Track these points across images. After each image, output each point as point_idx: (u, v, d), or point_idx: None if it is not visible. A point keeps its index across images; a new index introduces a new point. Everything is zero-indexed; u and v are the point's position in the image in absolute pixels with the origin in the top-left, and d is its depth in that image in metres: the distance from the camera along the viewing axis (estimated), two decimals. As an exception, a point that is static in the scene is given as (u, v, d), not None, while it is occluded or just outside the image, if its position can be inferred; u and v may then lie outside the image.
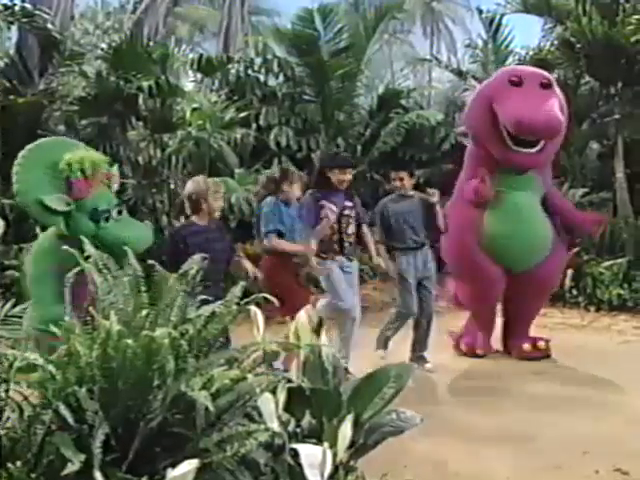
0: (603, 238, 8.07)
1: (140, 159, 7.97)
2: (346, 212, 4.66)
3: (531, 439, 3.63)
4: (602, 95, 9.57)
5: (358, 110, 10.06)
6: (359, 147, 9.75)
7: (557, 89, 5.09)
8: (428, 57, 12.44)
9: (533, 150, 4.88)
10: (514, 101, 4.78)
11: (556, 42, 9.54)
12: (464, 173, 5.33)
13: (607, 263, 7.61)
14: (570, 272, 7.47)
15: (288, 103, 9.46)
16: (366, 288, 8.54)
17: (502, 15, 10.42)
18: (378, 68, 12.44)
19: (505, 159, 4.96)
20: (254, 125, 8.95)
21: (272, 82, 9.70)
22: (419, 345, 5.03)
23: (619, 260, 7.58)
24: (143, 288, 2.09)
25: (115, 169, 4.22)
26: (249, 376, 1.92)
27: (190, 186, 4.13)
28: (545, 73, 5.19)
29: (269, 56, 9.45)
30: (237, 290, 2.32)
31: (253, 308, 2.58)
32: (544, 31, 10.83)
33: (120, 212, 4.08)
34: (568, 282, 7.45)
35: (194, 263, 2.39)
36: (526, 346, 5.33)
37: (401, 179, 4.90)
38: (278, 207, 4.43)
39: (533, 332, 5.58)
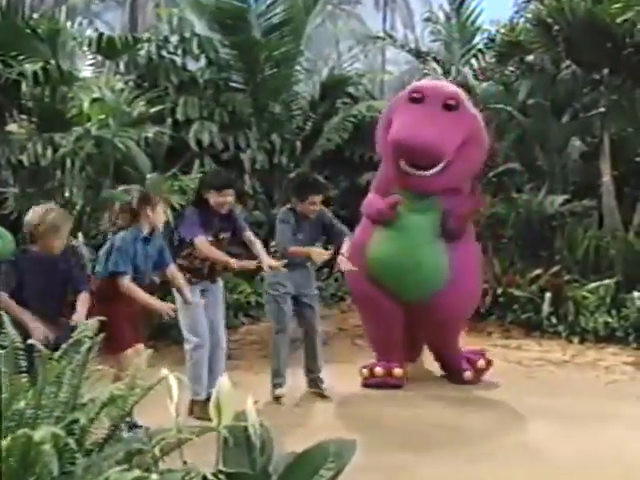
0: (587, 255, 8.32)
1: (25, 161, 7.76)
2: (221, 236, 5.13)
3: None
4: (585, 83, 9.89)
5: (297, 100, 10.05)
6: (298, 144, 9.75)
7: (469, 111, 5.57)
8: (380, 34, 12.54)
9: (428, 173, 5.35)
10: (402, 118, 5.33)
11: (531, 20, 9.80)
12: (372, 186, 5.98)
13: (592, 285, 7.85)
14: (548, 296, 7.69)
15: (211, 92, 9.36)
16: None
17: (468, -17, 10.76)
18: (321, 48, 12.52)
19: (399, 181, 5.54)
20: (169, 120, 8.83)
21: (191, 66, 9.60)
22: (312, 366, 5.64)
23: (606, 281, 7.82)
24: (23, 363, 2.02)
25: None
26: (153, 477, 1.88)
27: (32, 215, 4.32)
28: (455, 92, 5.62)
29: (187, 34, 9.32)
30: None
31: (165, 372, 2.55)
32: (517, 5, 11.17)
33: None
34: (546, 308, 7.65)
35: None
36: (467, 374, 5.87)
37: (314, 203, 5.39)
38: (134, 244, 4.62)
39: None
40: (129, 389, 2.14)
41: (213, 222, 5.11)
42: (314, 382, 5.64)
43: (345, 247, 5.49)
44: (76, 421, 1.97)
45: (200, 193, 5.14)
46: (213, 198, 5.02)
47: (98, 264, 4.75)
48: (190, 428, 2.19)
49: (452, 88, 5.81)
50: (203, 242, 4.98)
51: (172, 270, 4.90)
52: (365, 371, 5.86)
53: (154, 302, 4.73)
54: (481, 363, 5.99)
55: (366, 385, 5.84)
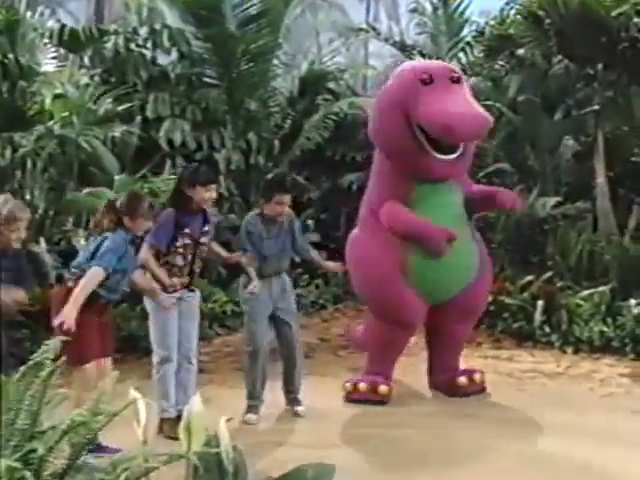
0: (580, 260, 8.36)
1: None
2: (202, 240, 5.13)
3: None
4: (578, 79, 9.95)
5: (275, 96, 10.07)
6: (276, 143, 9.74)
7: (465, 81, 5.63)
8: (363, 26, 12.56)
9: (454, 156, 5.41)
10: (433, 102, 5.22)
11: (522, 12, 9.84)
12: (376, 189, 5.82)
13: (586, 292, 7.87)
14: (541, 304, 7.71)
15: (183, 88, 9.36)
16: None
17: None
18: (300, 41, 12.50)
19: (426, 170, 5.45)
20: (139, 118, 8.79)
21: (162, 60, 9.58)
22: (290, 387, 5.62)
23: (601, 288, 7.83)
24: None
25: None
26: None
27: None
28: (451, 66, 5.81)
29: (157, 25, 9.33)
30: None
31: (133, 393, 2.53)
32: (507, -3, 11.22)
33: None
34: (539, 316, 7.67)
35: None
36: (462, 380, 5.89)
37: (281, 203, 5.33)
38: (125, 245, 4.66)
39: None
40: (92, 415, 2.11)
41: (193, 224, 5.08)
42: (292, 402, 5.62)
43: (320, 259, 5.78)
44: (34, 451, 1.93)
45: (181, 191, 5.10)
46: (199, 194, 5.02)
47: (78, 264, 4.67)
48: (157, 455, 2.15)
49: (445, 63, 5.99)
50: (149, 256, 4.96)
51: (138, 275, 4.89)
52: (348, 385, 5.84)
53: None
54: (477, 377, 6.00)
55: (349, 400, 5.82)
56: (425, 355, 6.24)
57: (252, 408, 5.43)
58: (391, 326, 5.72)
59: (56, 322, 4.24)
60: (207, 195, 5.06)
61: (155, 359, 5.05)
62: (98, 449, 3.61)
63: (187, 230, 5.03)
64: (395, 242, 5.57)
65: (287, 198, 5.38)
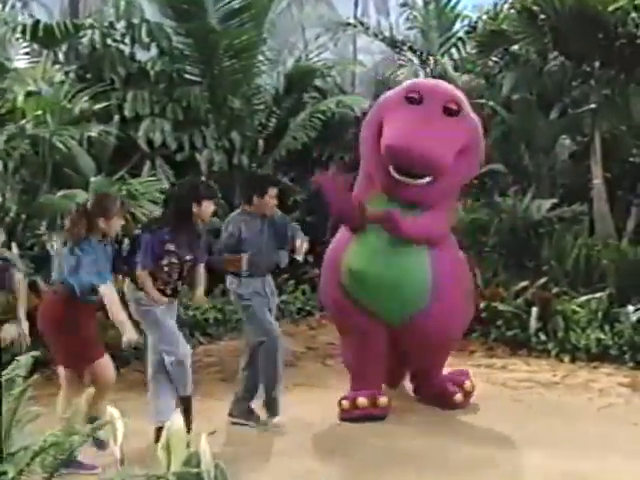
0: (577, 265, 8.38)
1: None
2: (188, 257, 5.24)
3: None
4: (574, 76, 9.99)
5: (259, 94, 10.06)
6: (261, 143, 9.74)
7: (469, 117, 5.56)
8: (351, 21, 12.53)
9: (420, 182, 5.35)
10: (398, 121, 5.28)
11: (516, 7, 9.86)
12: (355, 190, 5.80)
13: (583, 298, 7.89)
14: (535, 310, 7.72)
15: (163, 85, 9.31)
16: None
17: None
18: (285, 36, 12.45)
19: (387, 188, 5.48)
20: (116, 117, 8.73)
21: (141, 56, 9.52)
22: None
23: (598, 294, 7.86)
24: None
25: None
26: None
27: None
28: (456, 95, 5.62)
29: (135, 19, 9.27)
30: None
31: (110, 410, 2.51)
32: (500, -10, 11.25)
33: None
34: (534, 323, 7.68)
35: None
36: (458, 397, 5.89)
37: (273, 197, 5.56)
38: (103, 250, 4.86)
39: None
40: (66, 435, 2.08)
41: (187, 243, 5.24)
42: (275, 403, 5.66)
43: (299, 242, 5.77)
44: (4, 473, 1.90)
45: (186, 204, 5.17)
46: (203, 211, 5.21)
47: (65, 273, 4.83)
48: (135, 477, 2.12)
49: (453, 90, 5.75)
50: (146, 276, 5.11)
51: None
52: (346, 403, 5.69)
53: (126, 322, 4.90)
54: (468, 384, 6.01)
55: (347, 419, 5.65)
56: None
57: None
58: (348, 337, 5.83)
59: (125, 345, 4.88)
60: (210, 210, 5.26)
61: (169, 358, 5.12)
62: (74, 465, 3.58)
63: (172, 248, 5.13)
64: (340, 249, 5.69)
65: (276, 192, 5.61)
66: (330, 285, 5.78)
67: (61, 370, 4.91)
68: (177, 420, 2.65)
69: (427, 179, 5.35)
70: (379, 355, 5.72)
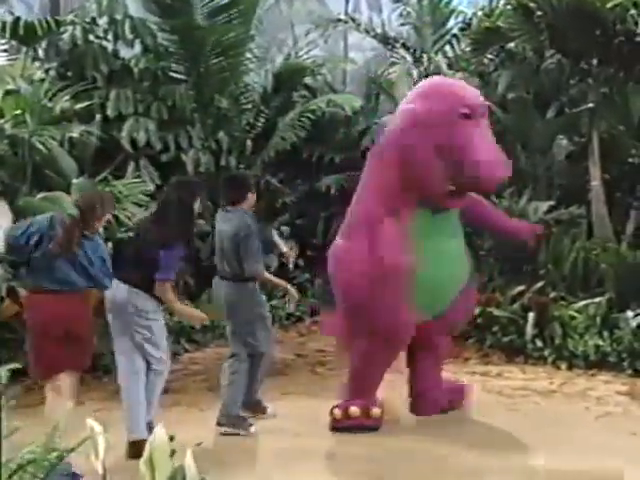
0: (575, 269, 8.40)
1: None
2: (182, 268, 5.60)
3: None
4: (572, 75, 10.02)
5: (247, 93, 10.05)
6: (249, 143, 9.74)
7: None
8: (342, 17, 12.55)
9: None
10: (476, 146, 5.35)
11: (511, 3, 9.88)
12: (373, 196, 5.63)
13: (581, 303, 7.92)
14: (532, 316, 7.74)
15: (148, 84, 9.29)
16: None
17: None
18: (274, 33, 12.48)
19: (440, 201, 5.56)
20: (99, 116, 8.72)
21: (124, 53, 9.50)
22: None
23: (596, 299, 7.88)
24: None
25: None
26: None
27: None
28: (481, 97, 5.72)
29: (119, 15, 9.23)
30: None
31: (91, 423, 2.50)
32: (495, -14, 11.27)
33: None
34: (530, 330, 7.70)
35: None
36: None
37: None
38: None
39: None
40: (45, 452, 2.07)
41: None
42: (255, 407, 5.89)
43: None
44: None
45: (189, 207, 5.25)
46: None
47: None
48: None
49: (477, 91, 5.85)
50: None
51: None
52: (338, 411, 5.67)
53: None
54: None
55: (338, 429, 5.64)
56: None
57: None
58: (381, 344, 5.58)
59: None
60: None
61: (161, 367, 5.24)
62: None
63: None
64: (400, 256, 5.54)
65: None
66: (391, 301, 5.49)
67: (66, 377, 4.88)
68: (160, 434, 2.63)
69: None
70: (390, 364, 5.85)
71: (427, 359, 6.00)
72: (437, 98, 5.52)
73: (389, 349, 5.70)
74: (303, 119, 9.74)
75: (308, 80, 10.79)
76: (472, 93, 5.66)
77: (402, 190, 5.49)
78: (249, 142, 9.73)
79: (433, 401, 5.98)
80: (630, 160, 9.96)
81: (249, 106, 10.07)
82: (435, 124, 5.37)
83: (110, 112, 8.78)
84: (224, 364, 5.77)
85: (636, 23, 8.83)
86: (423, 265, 5.41)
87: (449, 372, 6.56)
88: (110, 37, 9.34)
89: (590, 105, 9.58)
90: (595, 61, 9.49)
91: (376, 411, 5.67)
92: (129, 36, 9.22)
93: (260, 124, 10.01)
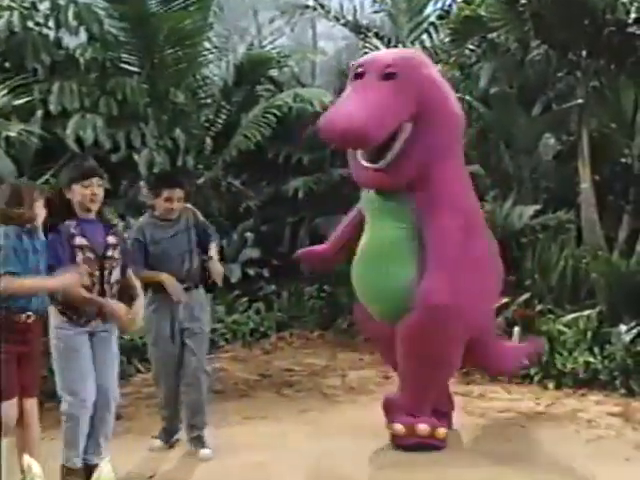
0: (563, 279, 8.44)
1: None
2: (109, 253, 5.00)
3: None
4: (559, 67, 10.10)
5: (206, 86, 10.05)
6: (208, 142, 9.73)
7: (418, 77, 5.46)
8: (310, 3, 12.54)
9: (376, 165, 5.46)
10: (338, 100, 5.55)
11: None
12: None
13: (570, 317, 7.96)
14: (517, 331, 7.76)
15: (95, 76, 9.22)
16: (221, 359, 8.59)
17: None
18: (235, 21, 12.46)
19: (357, 178, 5.72)
20: (40, 112, 8.62)
21: (69, 42, 9.42)
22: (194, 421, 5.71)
23: (587, 312, 7.92)
24: None
25: None
26: None
27: None
28: (400, 58, 5.61)
29: (61, 0, 9.15)
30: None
31: (27, 461, 2.48)
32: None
33: None
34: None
35: None
36: (422, 427, 5.64)
37: (170, 200, 5.61)
38: (20, 240, 4.68)
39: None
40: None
41: (92, 232, 5.06)
42: (196, 441, 5.68)
43: (212, 252, 5.73)
44: None
45: (61, 192, 5.05)
46: (78, 193, 4.99)
47: None
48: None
49: (398, 54, 5.84)
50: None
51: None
52: (400, 427, 5.63)
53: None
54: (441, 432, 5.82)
55: (402, 446, 5.63)
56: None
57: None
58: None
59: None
60: (86, 192, 4.94)
61: (65, 407, 4.90)
62: None
63: (84, 242, 4.91)
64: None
65: (177, 194, 5.64)
66: None
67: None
68: (106, 468, 2.61)
69: (384, 160, 5.40)
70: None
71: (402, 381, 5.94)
72: None
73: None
74: (268, 115, 9.72)
75: (273, 72, 10.82)
76: (372, 54, 6.14)
77: None
78: (208, 140, 9.72)
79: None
80: (622, 160, 10.06)
81: (208, 101, 10.06)
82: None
83: (53, 108, 8.68)
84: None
85: (628, 12, 8.95)
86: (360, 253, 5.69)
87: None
88: (52, 24, 9.25)
89: (579, 101, 9.66)
90: (584, 53, 9.57)
91: (443, 431, 5.68)
92: (73, 23, 9.07)
93: (221, 121, 10.00)
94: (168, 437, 5.83)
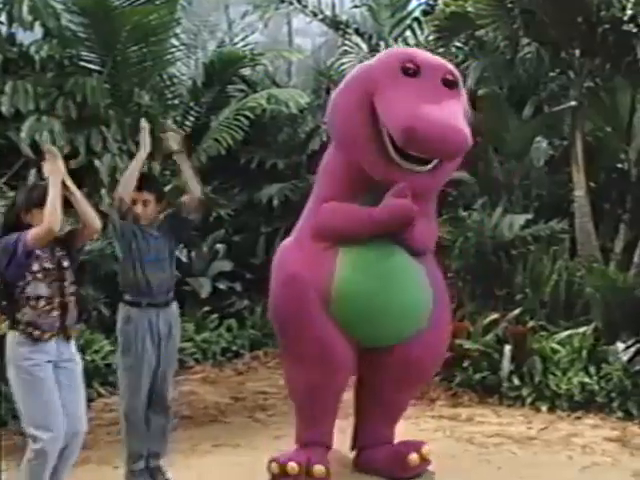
0: (556, 294, 8.43)
1: None
2: (65, 264, 4.94)
3: None
4: (552, 67, 10.13)
5: (173, 86, 10.05)
6: (176, 146, 9.67)
7: (463, 90, 5.58)
8: (286, -3, 12.58)
9: (426, 168, 5.32)
10: (405, 99, 5.14)
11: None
12: (318, 190, 5.75)
13: (564, 334, 7.97)
14: (508, 349, 7.75)
15: (52, 75, 9.13)
16: (190, 381, 8.52)
17: None
18: (205, 16, 12.43)
19: (385, 177, 5.36)
20: (-8, 114, 8.60)
21: (22, 38, 9.35)
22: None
23: (582, 329, 7.95)
24: None
25: None
26: None
27: None
28: (451, 67, 5.61)
29: (16, -7, 9.14)
30: None
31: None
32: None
33: None
34: (506, 365, 7.72)
35: None
36: (413, 457, 5.66)
37: (145, 203, 5.59)
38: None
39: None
40: None
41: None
42: (157, 472, 5.55)
43: None
44: None
45: (19, 216, 4.95)
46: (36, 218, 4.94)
47: None
48: None
49: (444, 61, 5.79)
50: None
51: None
52: (275, 466, 5.56)
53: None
54: (425, 450, 5.79)
55: None
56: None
57: None
58: (312, 370, 5.54)
59: None
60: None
61: (37, 445, 4.70)
62: None
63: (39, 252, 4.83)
64: (326, 257, 5.49)
65: (147, 197, 5.62)
66: (302, 304, 5.54)
67: None
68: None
69: (430, 165, 5.31)
70: (334, 397, 5.74)
71: (377, 410, 5.85)
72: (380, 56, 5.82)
73: (321, 377, 5.56)
74: (240, 118, 9.74)
75: (246, 71, 10.83)
76: (425, 55, 5.80)
77: (347, 172, 5.54)
78: (176, 145, 9.66)
79: (372, 461, 5.83)
80: (619, 166, 10.09)
81: (176, 102, 10.08)
82: (372, 79, 5.50)
83: (5, 109, 8.58)
84: None
85: (623, 8, 8.98)
86: (356, 278, 5.41)
87: (412, 417, 6.54)
88: (4, 19, 9.16)
89: (572, 102, 9.70)
90: (577, 52, 9.63)
91: (319, 469, 5.49)
92: (28, 17, 9.03)
93: (189, 123, 10.04)
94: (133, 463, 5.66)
